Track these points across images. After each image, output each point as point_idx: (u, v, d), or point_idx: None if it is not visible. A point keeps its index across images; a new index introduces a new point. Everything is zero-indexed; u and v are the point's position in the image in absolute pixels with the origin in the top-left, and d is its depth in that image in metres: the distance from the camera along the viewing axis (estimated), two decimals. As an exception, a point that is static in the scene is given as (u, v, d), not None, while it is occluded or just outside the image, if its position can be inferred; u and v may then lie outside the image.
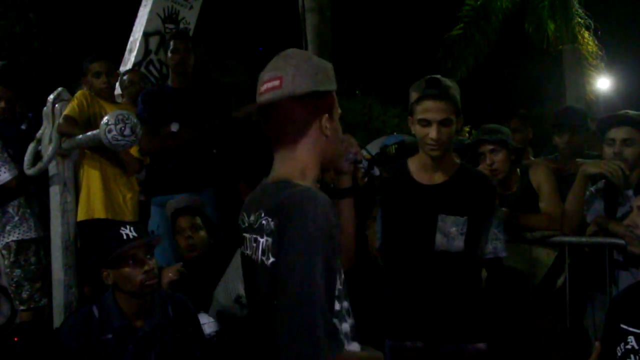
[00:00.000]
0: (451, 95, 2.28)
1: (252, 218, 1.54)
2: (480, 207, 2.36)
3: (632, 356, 1.94)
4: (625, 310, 2.05)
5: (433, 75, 2.32)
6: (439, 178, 2.40)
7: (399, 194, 2.44)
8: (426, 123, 2.28)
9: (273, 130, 1.55)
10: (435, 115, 2.26)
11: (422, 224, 2.32)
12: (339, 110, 1.61)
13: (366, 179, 2.30)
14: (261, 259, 1.46)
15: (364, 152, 1.90)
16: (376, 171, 1.90)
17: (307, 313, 1.32)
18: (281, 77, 1.50)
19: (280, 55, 1.57)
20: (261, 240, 1.46)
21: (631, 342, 1.96)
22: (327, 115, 1.55)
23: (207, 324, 2.63)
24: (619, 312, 2.08)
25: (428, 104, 2.27)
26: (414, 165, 2.46)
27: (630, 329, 1.98)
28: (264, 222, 1.46)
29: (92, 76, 3.75)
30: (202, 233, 3.09)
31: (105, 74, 3.76)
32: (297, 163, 1.54)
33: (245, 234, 1.59)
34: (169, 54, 3.92)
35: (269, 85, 1.52)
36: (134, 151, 3.65)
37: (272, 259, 1.41)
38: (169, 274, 2.90)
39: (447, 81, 2.30)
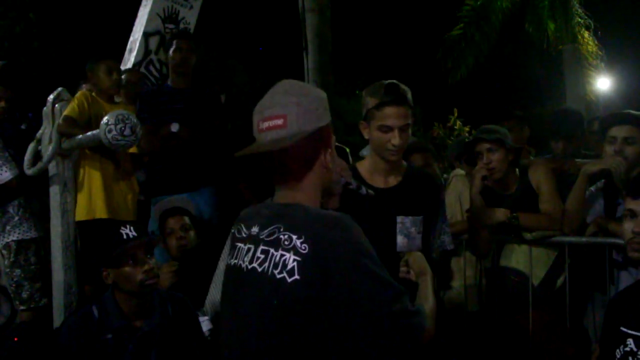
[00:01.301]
0: (409, 100, 2.32)
1: (255, 229, 1.54)
2: (431, 205, 2.44)
3: (630, 358, 1.94)
4: (624, 313, 2.05)
5: (391, 81, 2.34)
6: (392, 181, 2.44)
7: (355, 199, 2.40)
8: (387, 129, 2.31)
9: (276, 166, 1.55)
10: (397, 121, 2.29)
11: (382, 226, 2.34)
12: (334, 136, 1.62)
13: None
14: (272, 272, 1.44)
15: (364, 153, 1.92)
16: (364, 190, 1.94)
17: (406, 312, 1.44)
18: (285, 116, 1.48)
19: (278, 90, 1.55)
20: (275, 253, 1.45)
21: (630, 344, 1.96)
22: (329, 149, 1.57)
23: (203, 322, 2.64)
24: (617, 315, 2.08)
25: (389, 110, 2.29)
26: (365, 170, 2.48)
27: (630, 331, 1.98)
28: (282, 237, 1.45)
29: (104, 73, 3.67)
30: (192, 233, 3.11)
31: (117, 71, 3.77)
32: (303, 194, 1.55)
33: (239, 244, 1.58)
34: (171, 53, 3.91)
35: (271, 123, 1.50)
36: (133, 151, 3.64)
37: (296, 277, 1.40)
38: (165, 272, 2.88)
39: (403, 86, 2.33)
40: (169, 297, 2.49)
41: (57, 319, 3.39)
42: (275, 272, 1.43)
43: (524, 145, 3.92)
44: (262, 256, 1.48)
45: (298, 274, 1.40)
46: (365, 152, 3.98)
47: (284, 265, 1.42)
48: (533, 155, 4.10)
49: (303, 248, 1.41)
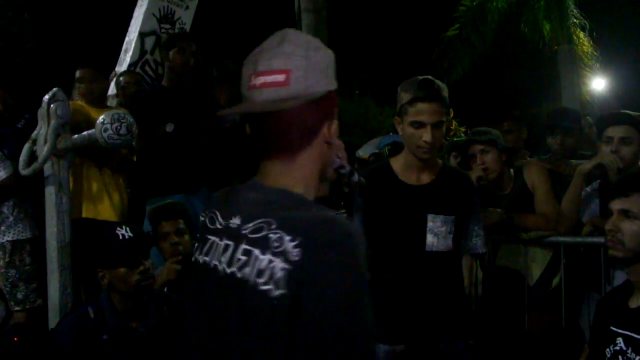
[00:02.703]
0: (443, 97, 2.28)
1: (236, 221, 1.23)
2: (464, 206, 2.40)
3: (620, 357, 1.94)
4: (614, 313, 2.05)
5: (426, 77, 2.30)
6: (425, 178, 2.40)
7: (386, 195, 2.41)
8: (420, 125, 2.27)
9: (268, 136, 1.24)
10: (429, 118, 2.25)
11: (412, 224, 2.32)
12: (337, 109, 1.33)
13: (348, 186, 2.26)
14: (255, 281, 1.13)
15: (361, 154, 1.90)
16: (356, 177, 1.87)
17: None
18: (288, 72, 1.17)
19: (280, 38, 1.22)
20: (261, 258, 1.14)
21: (620, 343, 1.96)
22: (334, 121, 1.27)
23: None
24: (607, 314, 2.08)
25: (422, 106, 2.25)
26: (399, 166, 2.44)
27: (620, 330, 1.98)
28: (273, 236, 1.14)
29: (77, 81, 3.91)
30: (187, 237, 3.01)
31: (89, 81, 3.86)
32: (299, 174, 1.24)
33: (213, 237, 1.27)
34: (173, 54, 3.90)
35: (269, 79, 1.18)
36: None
37: (282, 292, 1.10)
38: (166, 272, 2.85)
39: (439, 82, 2.30)
40: (165, 298, 2.49)
41: (53, 320, 3.38)
42: (260, 281, 1.12)
43: (522, 146, 3.92)
44: (244, 259, 1.17)
45: (285, 287, 1.09)
46: (362, 152, 3.98)
47: (271, 275, 1.11)
48: (528, 157, 4.10)
49: (295, 254, 1.10)
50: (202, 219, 1.34)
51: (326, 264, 1.10)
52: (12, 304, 3.68)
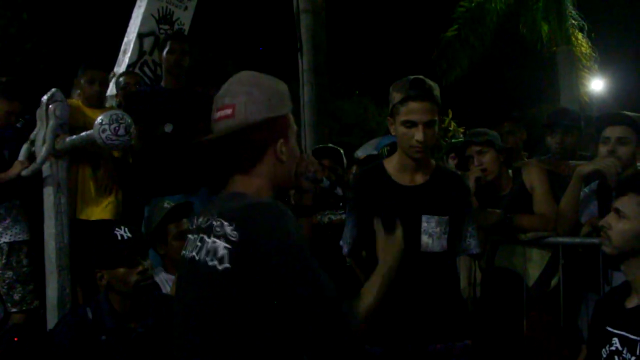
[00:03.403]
0: (435, 96, 2.28)
1: (200, 219, 1.53)
2: (458, 206, 2.40)
3: (616, 357, 1.95)
4: (610, 313, 2.07)
5: (417, 76, 2.30)
6: (419, 179, 2.39)
7: (380, 196, 2.39)
8: (411, 124, 2.26)
9: (227, 156, 1.55)
10: (421, 116, 2.25)
11: (406, 225, 2.32)
12: (295, 128, 1.62)
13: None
14: (205, 260, 1.43)
15: (359, 154, 1.90)
16: (339, 191, 1.92)
17: (327, 304, 1.38)
18: (233, 106, 1.50)
19: (233, 80, 1.56)
20: (208, 240, 1.45)
21: (615, 343, 1.97)
22: (282, 139, 1.55)
23: None
24: (604, 315, 2.10)
25: (414, 105, 2.25)
26: (392, 167, 2.43)
27: (615, 331, 1.99)
28: (214, 223, 1.44)
29: (86, 82, 3.84)
30: None
31: (99, 83, 3.86)
32: (250, 184, 1.54)
33: (189, 235, 1.58)
34: (165, 55, 3.91)
35: (222, 113, 1.52)
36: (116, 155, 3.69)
37: (226, 265, 1.38)
38: None
39: (430, 81, 2.30)
40: (164, 298, 2.48)
41: (51, 321, 3.37)
42: (208, 259, 1.42)
43: (520, 147, 3.92)
44: (199, 244, 1.47)
45: (228, 262, 1.38)
46: (360, 153, 3.97)
47: (215, 252, 1.41)
48: (526, 158, 4.10)
49: (233, 235, 1.38)
50: (187, 224, 1.70)
51: (261, 239, 1.37)
52: (9, 305, 3.68)
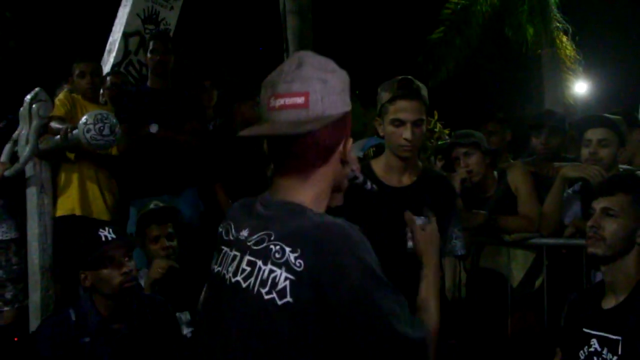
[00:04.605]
0: (422, 96, 2.29)
1: (244, 233, 1.29)
2: (443, 208, 2.38)
3: (595, 358, 1.95)
4: (586, 314, 2.06)
5: (405, 76, 2.31)
6: (406, 180, 2.40)
7: (367, 196, 2.41)
8: (399, 123, 2.27)
9: (286, 155, 1.28)
10: (409, 115, 2.26)
11: (393, 226, 2.33)
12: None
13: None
14: (260, 291, 1.19)
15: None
16: (368, 185, 1.86)
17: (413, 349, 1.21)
18: (306, 94, 1.23)
19: (298, 61, 1.28)
20: (263, 267, 1.20)
21: (594, 344, 1.97)
22: (350, 138, 1.35)
23: (183, 325, 2.62)
24: (578, 316, 2.09)
25: (402, 103, 2.26)
26: (379, 167, 2.43)
27: (593, 332, 1.99)
28: (272, 247, 1.21)
29: (77, 76, 3.78)
30: (176, 241, 2.94)
31: (90, 74, 3.78)
32: (311, 190, 1.29)
33: (225, 248, 1.34)
34: (148, 55, 3.90)
35: (289, 101, 1.23)
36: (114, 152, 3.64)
37: (288, 300, 1.16)
38: (159, 269, 2.80)
39: (418, 82, 2.31)
40: (149, 299, 2.47)
41: (34, 322, 3.34)
42: (263, 291, 1.19)
43: (505, 149, 3.94)
44: (248, 269, 1.23)
45: (290, 296, 1.16)
46: (354, 153, 3.97)
47: (274, 284, 1.18)
48: (511, 159, 4.12)
49: (298, 265, 1.17)
50: (220, 230, 1.40)
51: (329, 269, 1.16)
52: (1, 303, 3.64)
